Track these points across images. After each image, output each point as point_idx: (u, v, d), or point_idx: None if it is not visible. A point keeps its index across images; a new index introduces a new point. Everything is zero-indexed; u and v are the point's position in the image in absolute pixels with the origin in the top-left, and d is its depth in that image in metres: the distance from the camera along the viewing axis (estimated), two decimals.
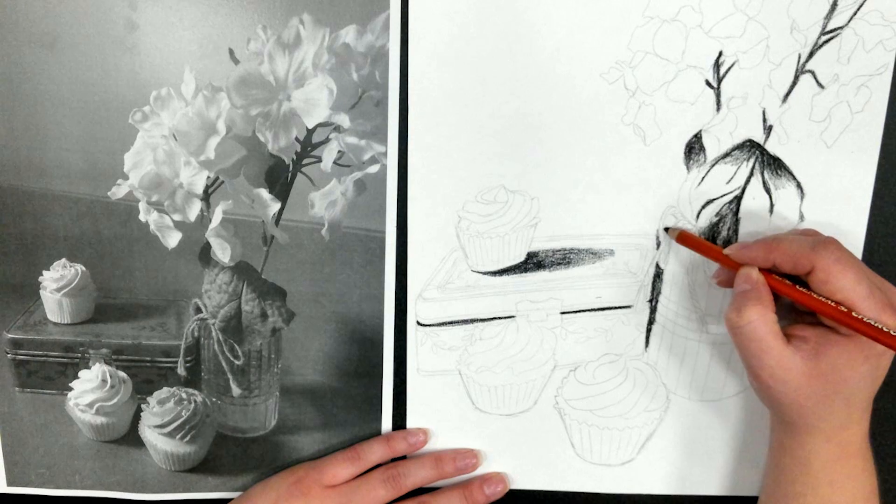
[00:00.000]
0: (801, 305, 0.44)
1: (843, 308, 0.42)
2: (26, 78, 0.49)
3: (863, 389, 0.44)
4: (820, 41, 0.48)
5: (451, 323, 0.53)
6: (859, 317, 0.42)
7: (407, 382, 0.54)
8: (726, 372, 0.53)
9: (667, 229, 0.51)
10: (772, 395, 0.45)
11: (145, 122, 0.50)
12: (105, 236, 0.52)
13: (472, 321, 0.53)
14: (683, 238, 0.49)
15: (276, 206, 0.51)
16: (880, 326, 0.41)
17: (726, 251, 0.47)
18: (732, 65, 0.48)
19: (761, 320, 0.43)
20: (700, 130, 0.49)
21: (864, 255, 0.51)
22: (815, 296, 0.43)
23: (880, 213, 0.50)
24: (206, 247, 0.52)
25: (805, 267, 0.43)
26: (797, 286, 0.44)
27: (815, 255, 0.43)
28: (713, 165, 0.50)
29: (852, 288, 0.42)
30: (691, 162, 0.50)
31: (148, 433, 0.55)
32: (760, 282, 0.44)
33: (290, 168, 0.51)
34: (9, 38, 0.48)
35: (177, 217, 0.51)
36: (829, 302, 0.42)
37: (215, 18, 0.48)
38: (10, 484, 0.57)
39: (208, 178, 0.50)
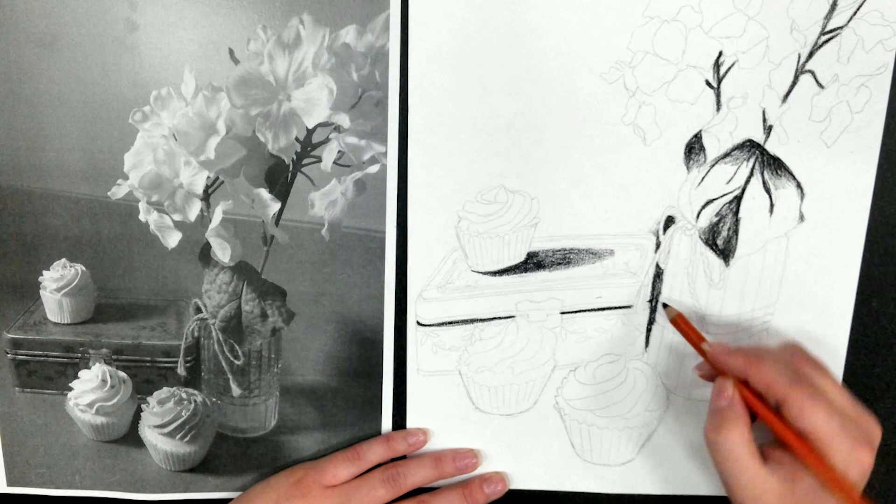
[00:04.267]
0: (774, 431, 0.44)
1: (808, 448, 0.43)
2: (26, 78, 0.49)
3: None
4: (820, 41, 0.48)
5: (451, 323, 0.53)
6: (825, 460, 0.42)
7: (407, 382, 0.54)
8: None
9: (665, 306, 0.52)
10: None
11: (145, 122, 0.50)
12: (105, 236, 0.52)
13: (472, 321, 0.53)
14: (676, 321, 0.51)
15: (276, 206, 0.51)
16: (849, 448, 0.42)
17: (705, 346, 0.48)
18: (732, 65, 0.48)
19: (739, 439, 0.44)
20: (700, 130, 0.49)
21: (864, 254, 0.51)
22: (786, 429, 0.43)
23: (880, 213, 0.50)
24: (206, 247, 0.52)
25: (778, 398, 0.44)
26: (770, 414, 0.44)
27: (790, 390, 0.43)
28: (713, 165, 0.50)
29: (824, 425, 0.42)
30: (691, 162, 0.50)
31: (148, 433, 0.55)
32: (736, 399, 0.45)
33: (290, 168, 0.51)
34: (9, 38, 0.49)
35: (177, 217, 0.51)
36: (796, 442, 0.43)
37: (215, 18, 0.48)
38: (10, 484, 0.57)
39: (208, 178, 0.50)
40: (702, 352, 0.48)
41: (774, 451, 0.45)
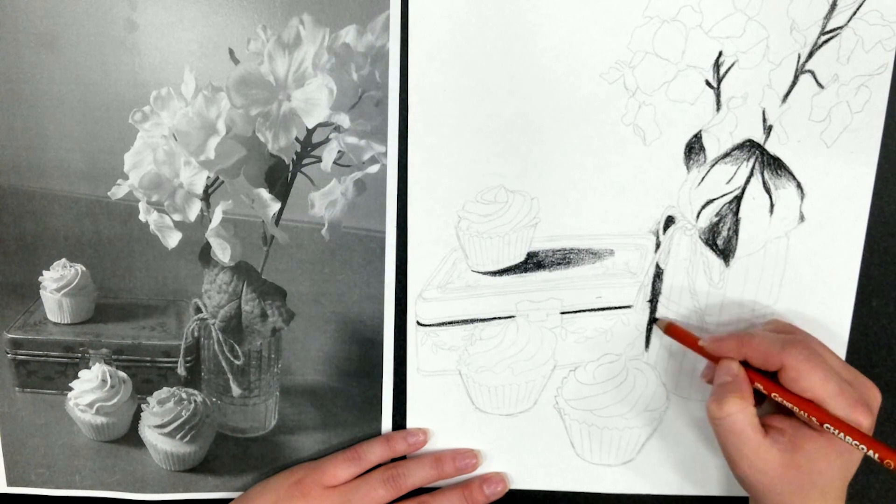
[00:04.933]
0: (779, 400, 0.45)
1: (812, 404, 0.43)
2: (26, 78, 0.49)
3: (836, 479, 0.45)
4: (819, 41, 0.48)
5: (451, 323, 0.53)
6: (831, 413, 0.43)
7: (407, 382, 0.54)
8: None
9: (656, 320, 0.52)
10: (750, 483, 0.46)
11: (145, 122, 0.50)
12: (105, 236, 0.52)
13: (472, 321, 0.53)
14: (670, 329, 0.51)
15: (276, 206, 0.51)
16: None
17: (701, 342, 0.48)
18: (732, 65, 0.48)
19: (741, 413, 0.44)
20: (700, 130, 0.49)
21: (864, 254, 0.51)
22: (787, 392, 0.44)
23: (880, 213, 0.50)
24: (206, 247, 0.52)
25: (775, 364, 0.45)
26: (771, 383, 0.45)
27: (784, 353, 0.44)
28: (713, 165, 0.50)
29: (821, 387, 0.43)
30: (691, 162, 0.50)
31: (148, 433, 0.55)
32: (741, 375, 0.46)
33: (290, 168, 0.51)
34: (9, 38, 0.49)
35: (177, 217, 0.51)
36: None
37: (215, 18, 0.48)
38: (10, 484, 0.57)
39: (208, 178, 0.50)
40: (699, 350, 0.49)
41: (774, 423, 0.46)
